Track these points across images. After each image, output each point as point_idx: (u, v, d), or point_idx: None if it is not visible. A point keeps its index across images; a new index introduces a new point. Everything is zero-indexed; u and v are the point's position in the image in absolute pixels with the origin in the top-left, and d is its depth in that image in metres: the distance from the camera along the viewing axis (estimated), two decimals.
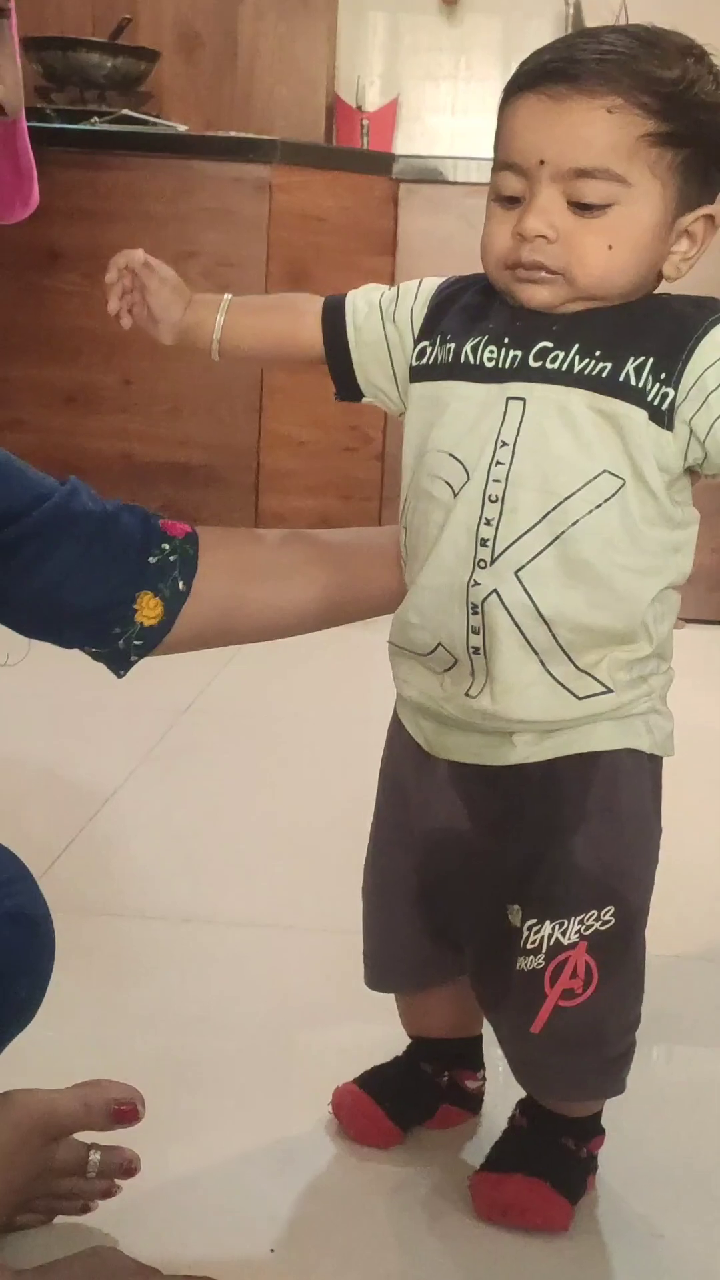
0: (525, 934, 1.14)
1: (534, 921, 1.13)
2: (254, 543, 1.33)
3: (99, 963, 1.57)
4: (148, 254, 1.23)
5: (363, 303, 1.20)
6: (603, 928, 1.13)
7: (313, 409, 3.31)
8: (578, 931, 1.12)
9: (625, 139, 1.03)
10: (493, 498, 1.08)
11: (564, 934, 1.12)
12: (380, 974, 1.29)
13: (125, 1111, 1.14)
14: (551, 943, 1.12)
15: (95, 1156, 1.14)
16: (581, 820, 1.12)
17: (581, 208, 1.05)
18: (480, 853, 1.18)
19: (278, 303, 1.29)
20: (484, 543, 1.08)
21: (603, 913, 1.12)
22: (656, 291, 1.12)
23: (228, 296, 1.24)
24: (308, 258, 3.27)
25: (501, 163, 1.08)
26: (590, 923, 1.12)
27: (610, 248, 1.05)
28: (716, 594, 3.34)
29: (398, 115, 3.91)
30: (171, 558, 1.22)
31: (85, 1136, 1.15)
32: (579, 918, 1.12)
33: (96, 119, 3.36)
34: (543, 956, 1.13)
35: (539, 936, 1.13)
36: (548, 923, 1.13)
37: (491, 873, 1.17)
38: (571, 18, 3.79)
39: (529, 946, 1.13)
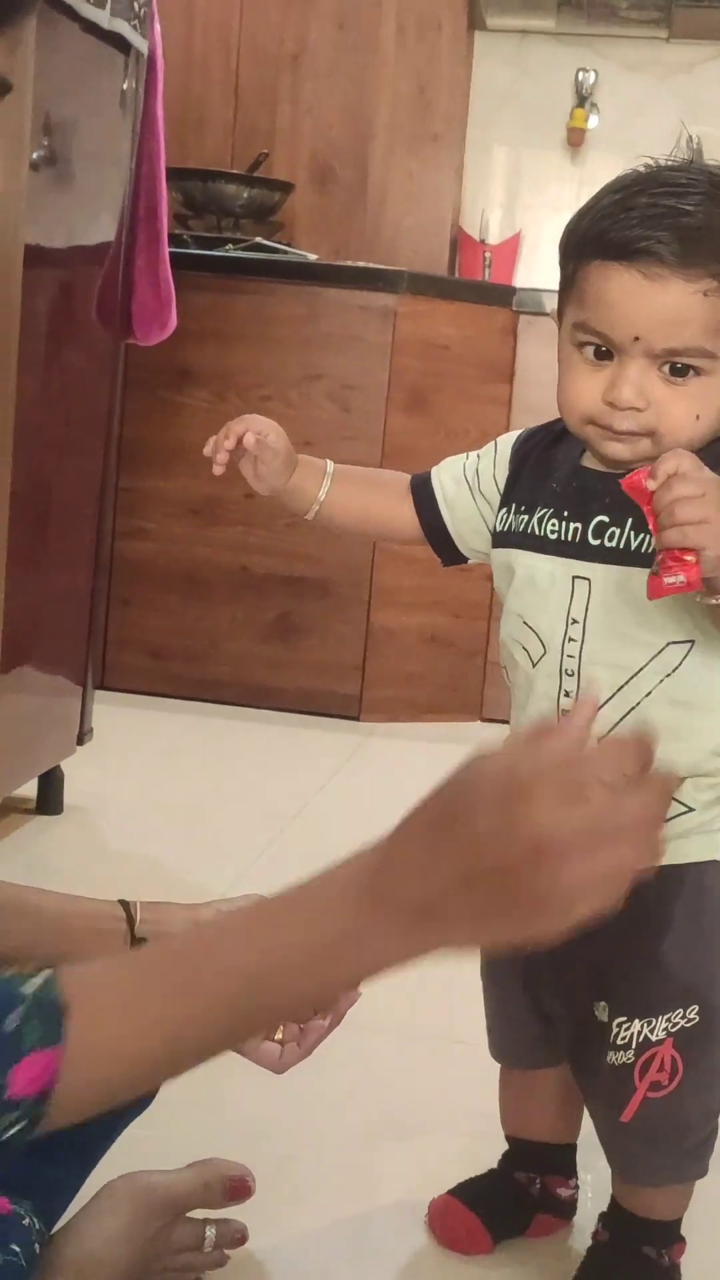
0: (615, 1030, 1.19)
1: (623, 1019, 1.19)
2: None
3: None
4: (269, 425, 1.26)
5: (448, 479, 1.28)
6: (688, 1025, 1.18)
7: None
8: (665, 1029, 1.18)
9: (715, 318, 1.09)
10: (569, 672, 1.16)
11: (652, 1031, 1.18)
12: (499, 1046, 1.35)
13: (238, 1188, 1.18)
14: (640, 1039, 1.18)
15: (211, 1232, 1.18)
16: (669, 927, 1.18)
17: (672, 377, 1.09)
18: (569, 951, 1.22)
19: (375, 481, 1.34)
20: (566, 713, 1.13)
21: (688, 1011, 1.18)
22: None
23: (331, 467, 1.30)
24: (428, 385, 3.36)
25: (591, 329, 1.11)
26: (677, 1020, 1.18)
27: (698, 417, 1.10)
28: None
29: (519, 248, 4.02)
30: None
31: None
32: (666, 1016, 1.18)
33: (231, 246, 3.49)
34: (632, 1052, 1.19)
35: (629, 1034, 1.18)
36: (637, 1021, 1.18)
37: (579, 971, 1.23)
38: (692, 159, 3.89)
39: (619, 1042, 1.19)
